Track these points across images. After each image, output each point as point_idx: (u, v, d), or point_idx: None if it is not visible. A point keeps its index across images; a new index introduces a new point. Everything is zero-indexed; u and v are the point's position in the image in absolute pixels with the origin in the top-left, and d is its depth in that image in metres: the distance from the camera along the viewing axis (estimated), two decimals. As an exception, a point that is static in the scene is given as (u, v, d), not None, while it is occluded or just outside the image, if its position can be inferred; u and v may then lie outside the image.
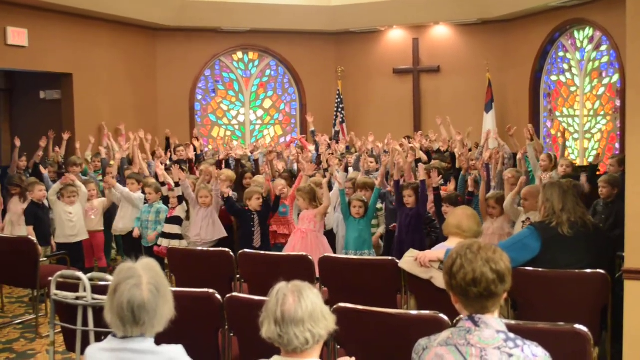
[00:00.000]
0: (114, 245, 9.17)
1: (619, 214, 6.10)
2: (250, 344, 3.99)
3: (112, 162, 9.53)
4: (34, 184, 7.61)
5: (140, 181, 8.03)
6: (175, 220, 7.31)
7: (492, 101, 12.78)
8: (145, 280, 2.40)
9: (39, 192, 7.46)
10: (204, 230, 7.10)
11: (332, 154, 9.87)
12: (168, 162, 9.74)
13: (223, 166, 9.35)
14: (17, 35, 10.07)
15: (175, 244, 7.10)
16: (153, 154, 10.12)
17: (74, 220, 7.52)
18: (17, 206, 7.69)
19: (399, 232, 6.57)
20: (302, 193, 6.83)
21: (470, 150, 9.61)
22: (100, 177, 9.33)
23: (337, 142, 12.00)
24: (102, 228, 8.05)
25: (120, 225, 8.03)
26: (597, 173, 8.12)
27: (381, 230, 7.18)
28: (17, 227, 7.61)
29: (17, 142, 9.51)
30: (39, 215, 7.41)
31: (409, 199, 6.53)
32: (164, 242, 7.23)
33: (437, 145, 10.57)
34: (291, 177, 8.68)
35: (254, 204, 6.94)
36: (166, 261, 6.14)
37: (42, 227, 7.40)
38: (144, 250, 7.47)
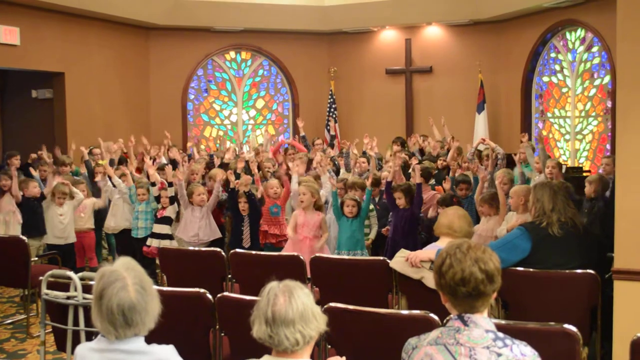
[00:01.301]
0: (105, 244, 9.15)
1: (599, 210, 6.22)
2: (241, 343, 3.99)
3: (101, 162, 9.51)
4: (27, 180, 7.60)
5: (134, 180, 8.02)
6: (165, 221, 7.31)
7: (484, 102, 12.81)
8: (130, 281, 2.40)
9: (34, 189, 7.47)
10: (202, 230, 7.09)
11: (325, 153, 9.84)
12: (163, 159, 9.78)
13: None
14: (9, 34, 10.05)
15: (165, 244, 7.11)
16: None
17: (64, 222, 7.49)
18: (8, 205, 7.64)
19: (393, 233, 6.57)
20: (311, 187, 6.67)
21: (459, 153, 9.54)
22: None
23: (332, 147, 11.90)
24: (93, 227, 8.00)
25: (112, 223, 8.01)
26: (585, 174, 8.19)
27: (373, 235, 7.14)
28: (11, 226, 7.56)
29: None
30: (34, 209, 7.42)
31: (399, 200, 6.52)
32: (154, 242, 7.23)
33: (428, 149, 10.48)
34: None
35: (240, 208, 6.96)
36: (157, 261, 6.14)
37: (37, 220, 7.40)
38: (137, 244, 7.48)
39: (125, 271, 2.43)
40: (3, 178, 7.73)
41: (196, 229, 7.09)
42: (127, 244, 7.74)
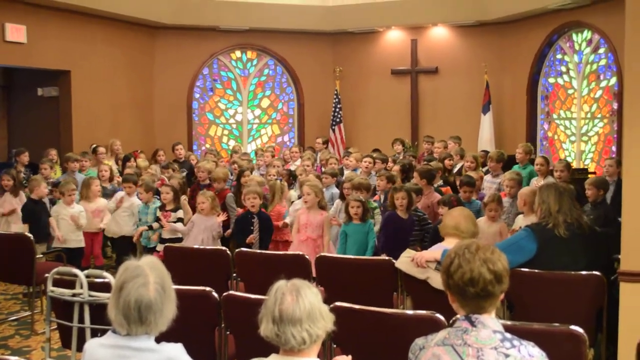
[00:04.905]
0: (108, 243, 9.12)
1: (607, 213, 6.19)
2: (247, 342, 4.00)
3: (106, 162, 9.54)
4: (36, 180, 7.52)
5: (136, 183, 7.89)
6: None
7: (489, 103, 12.79)
8: (152, 280, 2.41)
9: (40, 190, 7.39)
10: (205, 242, 6.91)
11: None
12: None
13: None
14: (16, 32, 10.06)
15: None
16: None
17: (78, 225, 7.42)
18: (10, 204, 7.61)
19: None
20: (314, 187, 6.59)
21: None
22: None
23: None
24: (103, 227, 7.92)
25: (113, 227, 7.91)
26: (590, 176, 8.18)
27: (377, 228, 7.06)
28: (12, 224, 7.53)
29: None
30: (35, 212, 7.34)
31: (402, 200, 6.26)
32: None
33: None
34: (290, 176, 8.66)
35: (250, 204, 6.70)
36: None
37: (39, 224, 7.28)
38: (145, 251, 7.37)
39: (149, 269, 2.44)
40: (5, 178, 7.68)
41: (199, 242, 6.89)
42: (127, 249, 7.62)
